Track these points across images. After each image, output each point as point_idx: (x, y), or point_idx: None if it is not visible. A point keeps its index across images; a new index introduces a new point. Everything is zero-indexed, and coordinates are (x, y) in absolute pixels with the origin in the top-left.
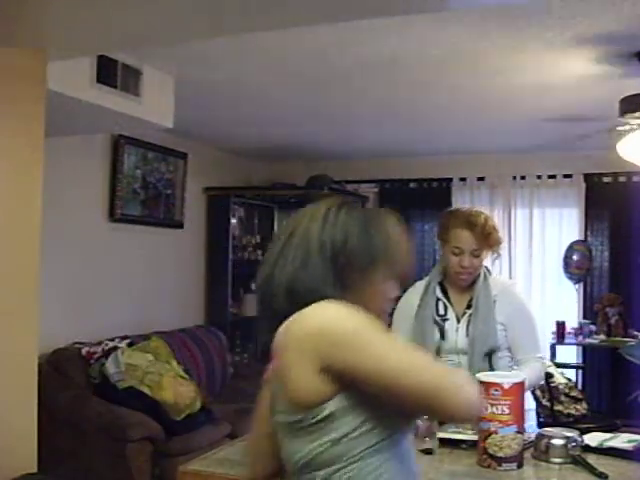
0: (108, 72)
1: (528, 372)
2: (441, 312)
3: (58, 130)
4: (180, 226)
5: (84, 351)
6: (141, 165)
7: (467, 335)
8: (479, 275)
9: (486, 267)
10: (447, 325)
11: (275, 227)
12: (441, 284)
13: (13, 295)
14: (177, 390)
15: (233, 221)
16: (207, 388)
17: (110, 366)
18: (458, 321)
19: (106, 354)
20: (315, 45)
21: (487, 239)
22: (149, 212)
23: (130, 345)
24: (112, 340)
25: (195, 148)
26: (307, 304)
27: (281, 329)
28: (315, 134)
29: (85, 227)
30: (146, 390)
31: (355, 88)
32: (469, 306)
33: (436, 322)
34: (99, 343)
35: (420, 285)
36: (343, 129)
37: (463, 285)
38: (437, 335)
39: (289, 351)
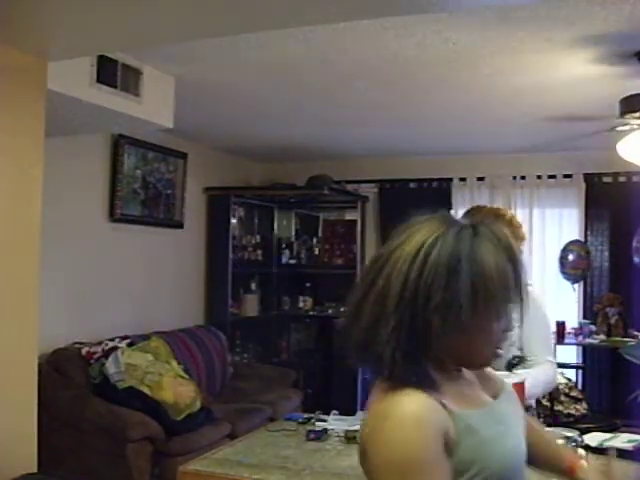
0: (108, 72)
1: (539, 374)
2: None
3: (58, 130)
4: (180, 226)
5: (84, 351)
6: (141, 165)
7: None
8: None
9: None
10: None
11: (275, 227)
12: None
13: (13, 295)
14: (177, 390)
15: (233, 221)
16: (207, 388)
17: (110, 366)
18: None
19: (106, 354)
20: (315, 45)
21: (513, 233)
22: (149, 212)
23: (130, 345)
24: (112, 340)
25: (195, 148)
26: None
27: (372, 395)
28: (315, 134)
29: (85, 227)
30: (146, 390)
31: (355, 88)
32: None
33: None
34: (99, 343)
35: None
36: (343, 129)
37: None
38: None
39: (365, 431)
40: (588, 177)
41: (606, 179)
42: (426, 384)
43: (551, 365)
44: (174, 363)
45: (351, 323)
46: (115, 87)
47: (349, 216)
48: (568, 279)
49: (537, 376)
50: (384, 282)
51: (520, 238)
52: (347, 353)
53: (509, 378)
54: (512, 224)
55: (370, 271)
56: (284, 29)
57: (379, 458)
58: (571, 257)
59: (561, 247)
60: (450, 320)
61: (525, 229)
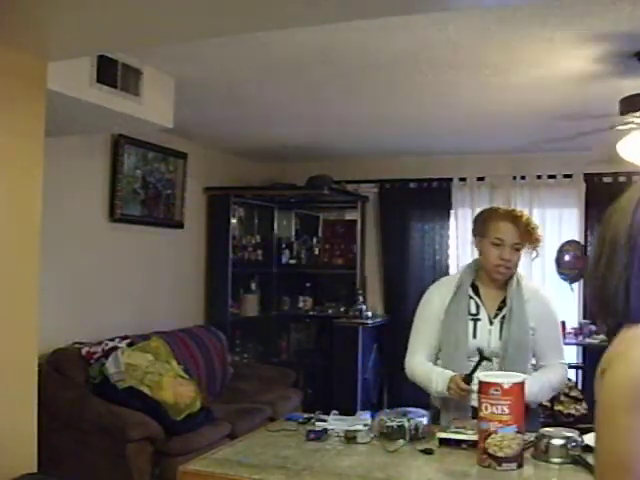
0: (108, 72)
1: (552, 376)
2: (473, 311)
3: (58, 130)
4: (180, 226)
5: (84, 351)
6: (141, 165)
7: (500, 338)
8: (512, 277)
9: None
10: (479, 325)
11: (275, 227)
12: (473, 284)
13: (13, 295)
14: (177, 390)
15: (233, 221)
16: (207, 388)
17: (110, 366)
18: (491, 322)
19: (106, 354)
20: (315, 45)
21: (530, 234)
22: (149, 212)
23: (130, 345)
24: (112, 340)
25: (195, 148)
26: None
27: (617, 340)
28: (315, 134)
29: (85, 227)
30: (146, 390)
31: (355, 88)
32: (500, 307)
33: (467, 321)
34: (99, 343)
35: (446, 283)
36: (343, 129)
37: (499, 280)
38: (470, 334)
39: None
40: (588, 177)
41: (606, 179)
42: None
43: (561, 367)
44: (174, 363)
45: (599, 285)
46: (115, 87)
47: (349, 216)
48: (565, 279)
49: (544, 379)
50: (611, 234)
51: (535, 240)
52: (598, 315)
53: (509, 378)
54: (529, 225)
55: (603, 226)
56: (284, 29)
57: (620, 375)
58: (567, 257)
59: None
60: None
61: (541, 234)
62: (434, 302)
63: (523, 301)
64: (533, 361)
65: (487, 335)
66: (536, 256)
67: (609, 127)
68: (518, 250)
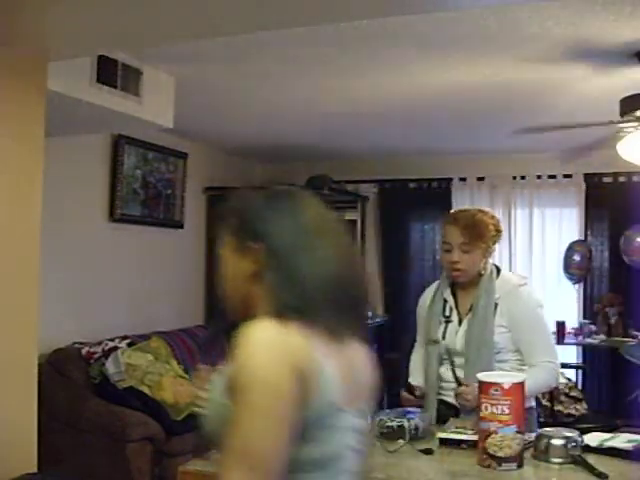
0: (108, 72)
1: (530, 377)
2: (446, 313)
3: (58, 130)
4: (180, 226)
5: (84, 351)
6: (141, 165)
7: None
8: (485, 275)
9: (495, 265)
10: (450, 327)
11: None
12: (452, 285)
13: (13, 295)
14: (177, 390)
15: None
16: None
17: (110, 366)
18: (460, 323)
19: (106, 354)
20: (315, 46)
21: (473, 231)
22: (149, 212)
23: (130, 345)
24: (112, 340)
25: (195, 148)
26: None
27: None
28: (315, 134)
29: (85, 227)
30: (146, 390)
31: (355, 88)
32: (471, 308)
33: (440, 323)
34: (99, 343)
35: (433, 286)
36: (343, 129)
37: (460, 282)
38: (441, 335)
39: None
40: (588, 177)
41: (606, 179)
42: None
43: (547, 366)
44: (174, 363)
45: None
46: (115, 87)
47: (349, 216)
48: (571, 279)
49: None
50: None
51: (484, 235)
52: None
53: (509, 378)
54: (468, 223)
55: None
56: (284, 29)
57: None
58: (577, 257)
59: (562, 247)
60: None
61: (495, 228)
62: (422, 304)
63: (492, 300)
64: (508, 356)
65: (454, 336)
66: (490, 254)
67: (609, 127)
68: (467, 251)
